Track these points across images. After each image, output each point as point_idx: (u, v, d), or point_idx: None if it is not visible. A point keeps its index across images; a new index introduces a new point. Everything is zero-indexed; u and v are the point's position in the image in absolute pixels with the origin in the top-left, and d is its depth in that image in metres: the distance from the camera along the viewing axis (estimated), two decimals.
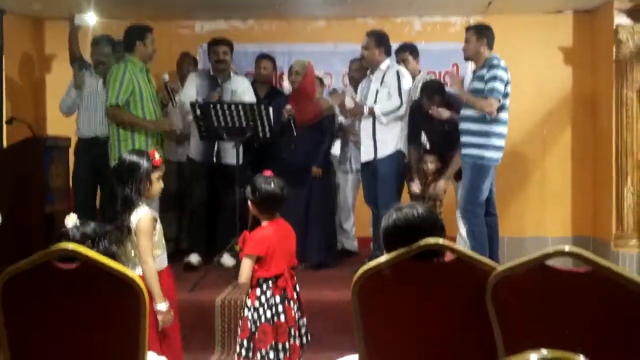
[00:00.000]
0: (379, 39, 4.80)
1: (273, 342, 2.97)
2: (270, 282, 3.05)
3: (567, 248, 1.69)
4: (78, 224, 2.30)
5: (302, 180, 4.78)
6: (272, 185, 3.07)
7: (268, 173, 3.16)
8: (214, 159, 4.89)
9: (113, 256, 2.22)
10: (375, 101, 4.73)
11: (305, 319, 3.15)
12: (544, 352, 0.95)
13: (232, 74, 5.06)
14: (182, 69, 5.55)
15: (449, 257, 1.95)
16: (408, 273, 1.94)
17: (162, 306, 2.84)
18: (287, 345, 3.00)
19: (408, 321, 1.97)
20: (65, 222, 2.33)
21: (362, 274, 1.96)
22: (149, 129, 4.53)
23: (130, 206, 2.87)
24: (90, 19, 5.66)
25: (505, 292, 1.80)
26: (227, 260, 4.70)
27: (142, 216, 2.86)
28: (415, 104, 4.87)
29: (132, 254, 2.89)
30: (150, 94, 4.56)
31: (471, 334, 1.93)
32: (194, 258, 4.85)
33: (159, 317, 2.84)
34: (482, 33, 4.45)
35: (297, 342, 3.04)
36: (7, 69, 5.71)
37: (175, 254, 4.96)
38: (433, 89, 4.74)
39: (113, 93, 4.42)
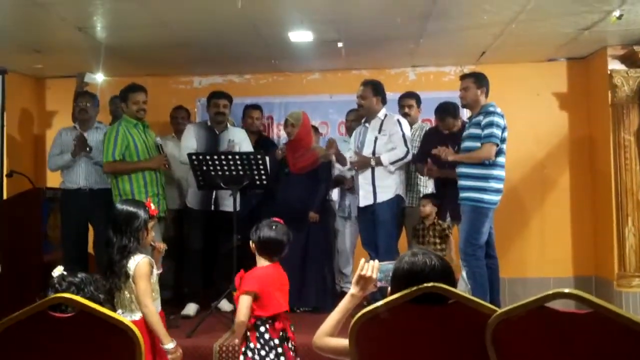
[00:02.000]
0: (376, 88, 4.88)
1: None
2: (267, 324, 3.04)
3: (567, 290, 1.67)
4: (64, 274, 2.34)
5: (300, 226, 4.77)
6: (275, 230, 3.13)
7: (276, 219, 3.22)
8: (212, 207, 4.94)
9: (99, 302, 2.23)
10: (374, 149, 4.78)
11: None
12: None
13: (229, 125, 5.15)
14: (177, 121, 5.67)
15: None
16: (407, 317, 1.90)
17: (169, 345, 2.86)
18: None
19: None
20: (53, 273, 2.37)
21: (359, 317, 1.92)
22: (147, 168, 4.64)
23: (128, 254, 2.92)
24: (99, 77, 5.83)
25: (506, 335, 1.77)
26: (225, 305, 4.69)
27: (141, 261, 2.92)
28: (429, 131, 5.02)
29: (130, 300, 2.91)
30: (146, 146, 4.70)
31: None
32: (191, 309, 4.82)
33: (169, 357, 2.86)
34: (481, 81, 4.50)
35: None
36: (8, 125, 5.83)
37: (174, 300, 4.95)
38: (445, 110, 4.86)
39: (108, 151, 4.60)
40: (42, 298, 2.22)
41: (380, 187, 4.76)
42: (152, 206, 3.08)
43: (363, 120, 5.01)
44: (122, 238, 2.93)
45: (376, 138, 4.81)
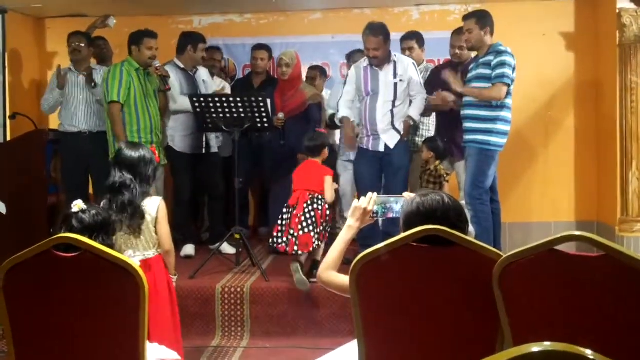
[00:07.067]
0: (386, 33, 4.57)
1: None
2: None
3: (578, 232, 1.67)
4: (85, 208, 2.43)
5: (292, 169, 4.70)
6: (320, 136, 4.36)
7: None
8: (204, 150, 5.00)
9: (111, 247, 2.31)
10: (395, 95, 4.58)
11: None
12: (547, 344, 0.93)
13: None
14: None
15: None
16: (409, 260, 1.90)
17: (176, 276, 3.23)
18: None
19: (408, 309, 1.94)
20: (72, 207, 2.43)
21: (359, 260, 1.92)
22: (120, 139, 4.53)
23: (144, 196, 3.01)
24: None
25: (514, 279, 1.76)
26: (227, 248, 4.78)
27: (161, 203, 3.05)
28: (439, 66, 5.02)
29: (146, 241, 3.02)
30: (143, 94, 4.67)
31: (473, 323, 1.90)
32: (190, 249, 4.96)
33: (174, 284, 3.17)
34: (484, 20, 4.38)
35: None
36: (10, 66, 5.79)
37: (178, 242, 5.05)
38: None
39: (113, 90, 4.55)
40: (54, 235, 2.26)
41: (398, 129, 4.64)
42: (156, 153, 3.19)
43: (368, 63, 4.65)
44: (142, 183, 3.00)
45: (396, 84, 4.59)
